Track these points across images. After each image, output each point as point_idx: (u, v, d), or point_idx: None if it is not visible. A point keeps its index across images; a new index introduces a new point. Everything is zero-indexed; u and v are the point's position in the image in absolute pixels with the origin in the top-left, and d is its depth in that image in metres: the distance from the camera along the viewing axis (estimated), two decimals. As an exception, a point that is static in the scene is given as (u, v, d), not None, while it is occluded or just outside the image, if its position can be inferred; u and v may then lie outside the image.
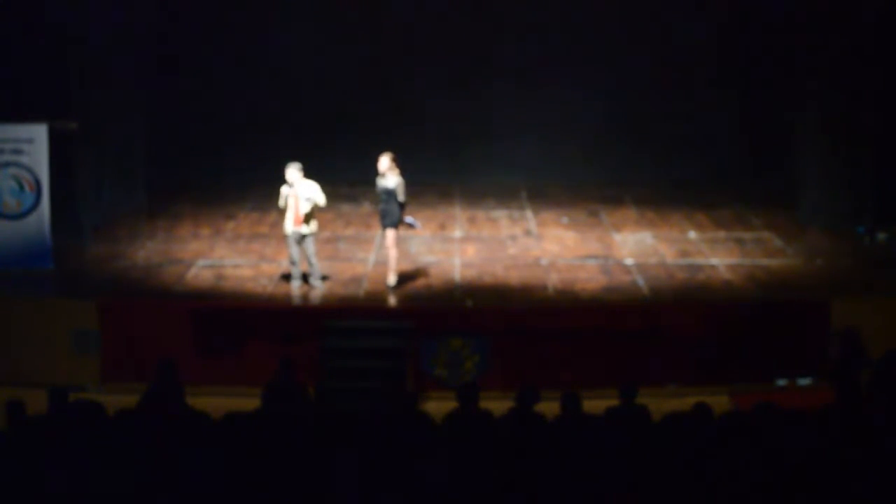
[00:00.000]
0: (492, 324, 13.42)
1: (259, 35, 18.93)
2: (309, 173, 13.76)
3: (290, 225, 13.75)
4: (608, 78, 18.99)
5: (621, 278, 14.57)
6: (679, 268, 14.98)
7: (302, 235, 13.78)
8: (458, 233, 16.76)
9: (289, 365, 10.70)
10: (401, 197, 13.53)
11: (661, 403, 10.61)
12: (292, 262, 14.02)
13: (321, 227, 14.91)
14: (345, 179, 17.92)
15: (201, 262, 15.25)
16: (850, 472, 7.81)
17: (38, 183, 14.48)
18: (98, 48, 16.03)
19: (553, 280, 14.52)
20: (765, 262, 15.24)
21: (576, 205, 18.25)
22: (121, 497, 7.67)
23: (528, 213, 17.83)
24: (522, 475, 7.86)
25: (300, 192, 13.63)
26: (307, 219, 13.69)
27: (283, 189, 13.71)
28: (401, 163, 13.65)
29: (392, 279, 13.95)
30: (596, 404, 9.58)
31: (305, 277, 14.08)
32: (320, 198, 13.72)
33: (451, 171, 19.33)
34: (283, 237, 14.15)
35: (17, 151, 14.44)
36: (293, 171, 13.63)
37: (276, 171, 13.96)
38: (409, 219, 13.79)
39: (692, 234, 16.55)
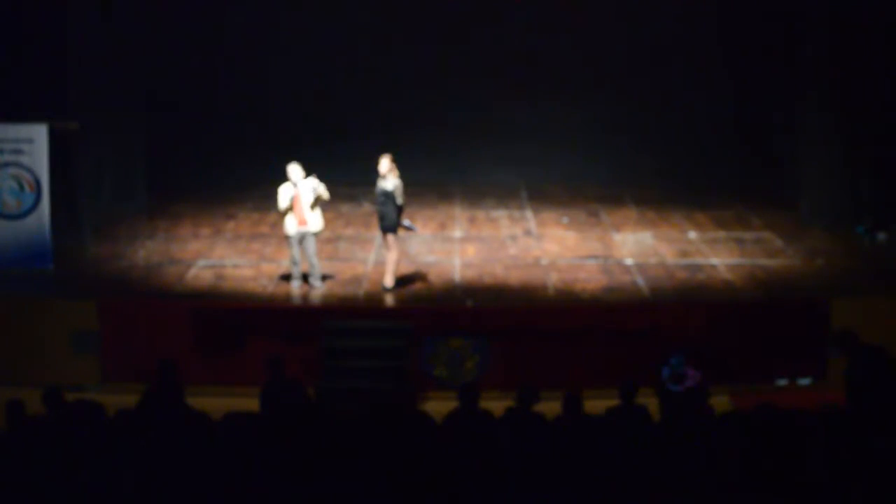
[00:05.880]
0: (492, 324, 13.42)
1: (259, 35, 18.94)
2: (309, 173, 13.75)
3: (293, 226, 13.75)
4: (608, 78, 19.01)
5: (621, 278, 14.56)
6: (679, 268, 14.98)
7: (304, 235, 13.76)
8: (458, 233, 16.76)
9: (277, 364, 10.64)
10: (398, 199, 13.51)
11: (661, 403, 10.66)
12: (294, 263, 14.01)
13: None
14: (345, 180, 17.91)
15: (201, 262, 15.25)
16: (850, 471, 7.81)
17: (38, 183, 14.48)
18: (98, 48, 16.02)
19: (553, 280, 14.52)
20: (765, 262, 15.23)
21: (576, 205, 18.25)
22: (121, 497, 7.66)
23: (528, 213, 17.83)
24: (522, 475, 7.85)
25: (302, 190, 13.62)
26: (313, 207, 13.66)
27: (283, 189, 13.69)
28: (401, 163, 13.64)
29: (388, 281, 13.93)
30: (596, 404, 9.59)
31: (305, 277, 14.07)
32: (323, 189, 13.64)
33: (451, 171, 19.34)
34: (285, 238, 14.14)
35: (17, 151, 14.45)
36: (296, 170, 13.62)
37: (276, 171, 13.96)
38: (406, 222, 13.77)
39: (692, 234, 16.54)
